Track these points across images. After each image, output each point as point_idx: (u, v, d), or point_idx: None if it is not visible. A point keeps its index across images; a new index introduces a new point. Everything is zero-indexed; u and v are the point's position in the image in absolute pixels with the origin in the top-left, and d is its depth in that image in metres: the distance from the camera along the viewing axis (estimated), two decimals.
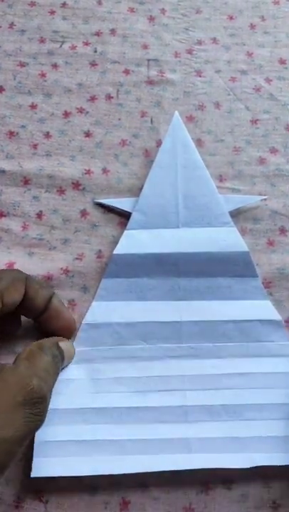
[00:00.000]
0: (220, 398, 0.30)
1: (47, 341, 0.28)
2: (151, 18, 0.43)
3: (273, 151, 0.38)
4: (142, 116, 0.39)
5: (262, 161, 0.37)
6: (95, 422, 0.29)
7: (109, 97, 0.39)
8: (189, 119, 0.38)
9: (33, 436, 0.28)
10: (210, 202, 0.34)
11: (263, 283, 0.33)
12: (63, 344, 0.29)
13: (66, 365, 0.30)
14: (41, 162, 0.37)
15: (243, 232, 0.34)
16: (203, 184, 0.35)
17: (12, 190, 0.36)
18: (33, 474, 0.27)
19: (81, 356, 0.30)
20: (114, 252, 0.33)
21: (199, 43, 0.42)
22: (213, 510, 0.28)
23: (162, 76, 0.40)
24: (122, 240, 0.33)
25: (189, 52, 0.41)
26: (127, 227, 0.34)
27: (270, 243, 0.35)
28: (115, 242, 0.34)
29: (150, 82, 0.40)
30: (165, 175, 0.35)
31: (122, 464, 0.28)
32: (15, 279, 0.28)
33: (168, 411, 0.29)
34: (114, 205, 0.35)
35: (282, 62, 0.41)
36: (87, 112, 0.39)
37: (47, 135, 0.38)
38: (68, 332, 0.31)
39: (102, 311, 0.32)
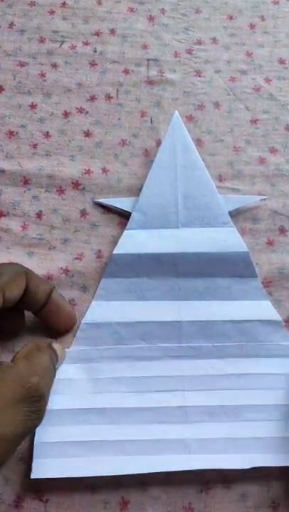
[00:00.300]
0: (219, 399, 0.30)
1: (42, 342, 0.28)
2: (151, 18, 0.43)
3: (273, 150, 0.38)
4: (142, 116, 0.39)
5: (262, 160, 0.37)
6: (95, 422, 0.29)
7: (108, 96, 0.39)
8: (189, 119, 0.38)
9: (33, 437, 0.28)
10: (210, 202, 0.34)
11: (262, 283, 0.33)
12: (56, 346, 0.29)
13: (57, 367, 0.30)
14: (41, 162, 0.37)
15: (242, 232, 0.34)
16: (203, 184, 0.34)
17: (12, 190, 0.36)
18: (33, 475, 0.27)
19: (80, 356, 0.30)
20: (114, 251, 0.33)
21: (199, 42, 0.42)
22: (213, 510, 0.28)
23: (162, 76, 0.40)
24: (122, 240, 0.33)
25: (189, 52, 0.41)
26: (127, 227, 0.34)
27: (270, 243, 0.35)
28: (115, 242, 0.34)
29: (150, 82, 0.40)
30: (165, 175, 0.35)
31: (122, 464, 0.28)
32: (16, 274, 0.28)
33: (167, 411, 0.29)
34: (113, 204, 0.35)
35: (281, 62, 0.41)
36: (87, 112, 0.39)
37: (47, 135, 0.38)
38: (69, 325, 0.31)
39: (102, 310, 0.32)
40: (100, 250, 0.34)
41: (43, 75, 0.40)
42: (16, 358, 0.26)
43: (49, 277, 0.33)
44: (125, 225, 0.34)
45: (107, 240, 0.34)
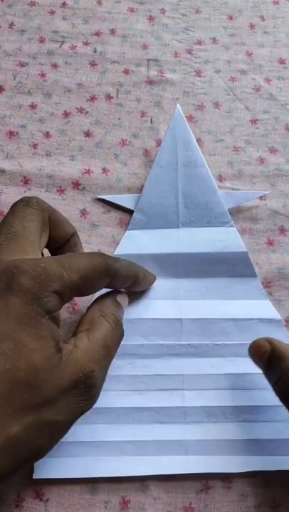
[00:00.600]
0: (218, 399, 0.30)
1: (107, 301, 0.27)
2: (151, 18, 0.43)
3: (273, 150, 0.38)
4: (142, 116, 0.39)
5: (261, 160, 0.37)
6: (94, 421, 0.29)
7: (109, 96, 0.39)
8: (189, 118, 0.38)
9: None
10: (210, 201, 0.34)
11: (262, 283, 0.33)
12: (120, 298, 0.28)
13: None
14: (41, 162, 0.37)
15: (242, 231, 0.34)
16: (204, 182, 0.34)
17: (12, 190, 0.36)
18: (35, 476, 0.28)
19: None
20: (115, 252, 0.33)
21: (199, 42, 0.42)
22: (213, 510, 0.28)
23: (162, 76, 0.40)
24: (123, 241, 0.34)
25: (189, 52, 0.41)
26: (128, 227, 0.34)
27: (270, 243, 0.35)
28: (115, 242, 0.34)
29: (150, 82, 0.40)
30: (165, 174, 0.35)
31: (122, 466, 0.28)
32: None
33: (166, 412, 0.29)
34: (115, 201, 0.35)
35: (281, 62, 0.41)
36: (87, 112, 0.39)
37: (47, 135, 0.38)
38: None
39: None
40: (100, 250, 0.34)
41: (43, 75, 0.40)
42: (78, 332, 0.25)
43: None
44: (126, 224, 0.34)
45: (108, 240, 0.34)
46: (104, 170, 0.37)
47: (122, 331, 0.27)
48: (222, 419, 0.29)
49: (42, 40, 0.41)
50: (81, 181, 0.36)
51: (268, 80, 0.40)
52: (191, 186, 0.34)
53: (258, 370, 0.30)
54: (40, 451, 0.22)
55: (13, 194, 0.36)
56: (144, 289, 0.32)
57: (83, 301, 0.32)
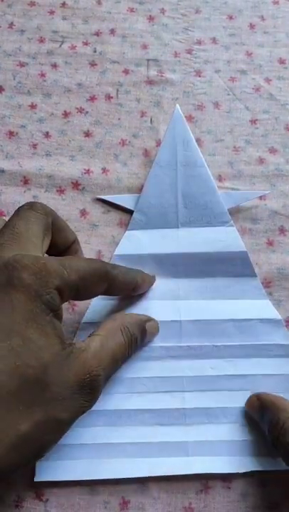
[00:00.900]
0: (219, 400, 0.30)
1: (133, 319, 0.28)
2: (151, 18, 0.43)
3: (273, 150, 0.38)
4: (142, 116, 0.39)
5: (261, 160, 0.37)
6: (95, 424, 0.29)
7: (108, 96, 0.39)
8: (189, 118, 0.38)
9: None
10: (210, 201, 0.34)
11: (262, 283, 0.33)
12: (150, 324, 0.29)
13: (148, 342, 0.30)
14: (41, 162, 0.37)
15: (242, 231, 0.34)
16: (203, 182, 0.34)
17: (12, 190, 0.36)
18: (36, 478, 0.28)
19: None
20: (115, 253, 0.33)
21: (199, 42, 0.42)
22: (213, 510, 0.28)
23: (162, 76, 0.40)
24: (123, 241, 0.34)
25: (189, 52, 0.41)
26: (128, 227, 0.34)
27: (270, 243, 0.35)
28: (115, 242, 0.34)
29: (150, 82, 0.40)
30: (165, 174, 0.35)
31: (123, 468, 0.28)
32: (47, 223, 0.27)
33: (167, 413, 0.29)
34: (115, 201, 0.35)
35: (281, 62, 0.41)
36: (87, 112, 0.39)
37: (46, 135, 0.38)
38: None
39: (102, 309, 0.32)
40: (100, 251, 0.34)
41: (42, 75, 0.40)
42: (94, 333, 0.25)
43: None
44: (125, 224, 0.34)
45: (108, 240, 0.34)
46: (104, 170, 0.37)
47: (132, 352, 0.27)
48: (223, 420, 0.29)
49: (42, 40, 0.41)
50: (81, 181, 0.36)
51: (267, 80, 0.40)
52: (191, 186, 0.34)
53: (258, 371, 0.30)
54: (46, 447, 0.23)
55: (12, 194, 0.36)
56: (143, 292, 0.32)
57: (84, 302, 0.32)
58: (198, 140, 0.37)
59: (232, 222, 0.34)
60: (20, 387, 0.21)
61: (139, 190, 0.35)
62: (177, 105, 0.36)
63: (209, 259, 0.33)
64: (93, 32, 0.42)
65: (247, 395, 0.30)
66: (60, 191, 0.36)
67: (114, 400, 0.29)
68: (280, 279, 0.34)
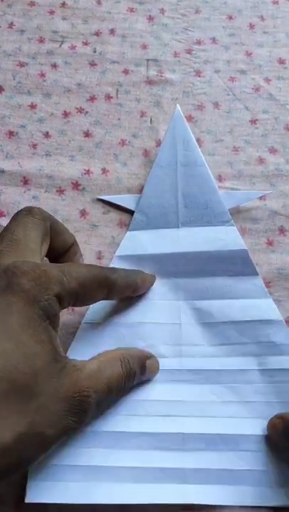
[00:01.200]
0: (218, 426, 0.29)
1: (134, 353, 0.28)
2: (151, 18, 0.43)
3: (272, 150, 0.38)
4: (142, 116, 0.39)
5: (261, 160, 0.37)
6: (91, 445, 0.28)
7: (108, 97, 0.39)
8: (188, 118, 0.38)
9: None
10: (210, 200, 0.34)
11: (263, 284, 0.33)
12: (150, 362, 0.28)
13: (148, 379, 0.30)
14: (41, 162, 0.37)
15: (242, 231, 0.35)
16: (204, 182, 0.34)
17: (12, 190, 0.36)
18: (27, 499, 0.26)
19: None
20: (116, 253, 0.33)
21: (198, 42, 0.42)
22: (213, 510, 0.28)
23: (161, 76, 0.40)
24: (124, 242, 0.33)
25: (188, 52, 0.41)
26: (129, 228, 0.34)
27: (270, 243, 0.35)
28: (115, 243, 0.34)
29: (149, 82, 0.40)
30: (165, 174, 0.35)
31: (118, 493, 0.27)
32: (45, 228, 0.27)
33: (165, 437, 0.28)
34: (115, 202, 0.35)
35: (281, 62, 0.41)
36: (87, 112, 0.39)
37: (46, 135, 0.38)
38: None
39: (102, 310, 0.32)
40: (100, 251, 0.34)
41: (42, 75, 0.40)
42: (94, 358, 0.25)
43: None
44: (125, 225, 0.34)
45: (107, 241, 0.34)
46: (104, 170, 0.37)
47: (128, 386, 0.27)
48: (221, 447, 0.28)
49: (41, 40, 0.41)
50: (81, 182, 0.36)
51: (267, 80, 0.40)
52: (191, 186, 0.34)
53: (260, 398, 0.29)
54: (26, 463, 0.22)
55: (12, 194, 0.36)
56: (144, 292, 0.32)
57: None
58: (198, 140, 0.37)
59: (232, 221, 0.34)
60: (8, 392, 0.20)
61: (139, 190, 0.35)
62: (178, 105, 0.36)
63: (210, 258, 0.33)
64: (93, 32, 0.42)
65: (247, 422, 0.29)
66: (60, 191, 0.36)
67: (111, 421, 0.28)
68: (280, 279, 0.34)
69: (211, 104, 0.39)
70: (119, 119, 0.39)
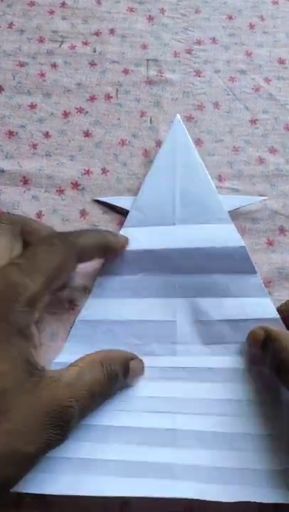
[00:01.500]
0: (211, 424, 0.28)
1: (116, 355, 0.27)
2: (151, 18, 0.43)
3: (272, 150, 0.38)
4: (141, 116, 0.39)
5: (261, 160, 0.37)
6: (79, 438, 0.28)
7: (108, 96, 0.39)
8: (188, 119, 0.38)
9: None
10: (208, 199, 0.34)
11: (262, 283, 0.33)
12: (134, 363, 0.28)
13: (131, 383, 0.29)
14: (41, 162, 0.37)
15: (242, 231, 0.34)
16: (202, 184, 0.34)
17: (11, 190, 0.36)
18: (19, 489, 0.26)
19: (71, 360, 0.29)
20: None
21: (198, 42, 0.42)
22: (213, 510, 0.28)
23: (161, 76, 0.40)
24: None
25: (188, 52, 0.41)
26: (124, 224, 0.34)
27: (270, 243, 0.35)
28: None
29: (149, 82, 0.40)
30: (164, 174, 0.35)
31: (105, 485, 0.27)
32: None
33: (156, 433, 0.28)
34: (113, 203, 0.35)
35: (281, 62, 0.41)
36: (87, 112, 0.39)
37: (46, 135, 0.38)
38: None
39: (97, 308, 0.31)
40: None
41: (42, 75, 0.40)
42: (73, 364, 0.25)
43: None
44: None
45: None
46: (104, 170, 0.37)
47: (112, 389, 0.26)
48: (214, 446, 0.28)
49: (41, 40, 0.41)
50: (80, 182, 0.36)
51: (267, 80, 0.40)
52: (189, 185, 0.34)
53: (255, 397, 0.29)
54: (10, 481, 0.22)
55: (12, 194, 0.36)
56: (118, 253, 0.31)
57: (83, 302, 0.32)
58: (198, 140, 0.37)
59: (230, 220, 0.33)
60: None
61: (139, 190, 0.35)
62: (178, 115, 0.37)
63: (207, 254, 0.32)
64: (93, 32, 0.42)
65: (241, 421, 0.28)
66: (60, 191, 0.36)
67: (102, 415, 0.28)
68: (280, 279, 0.33)
69: (211, 104, 0.39)
70: (119, 118, 0.39)
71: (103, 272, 0.32)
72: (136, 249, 0.32)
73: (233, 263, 0.32)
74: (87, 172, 0.37)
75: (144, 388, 0.29)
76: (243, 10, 0.43)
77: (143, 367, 0.30)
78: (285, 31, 0.42)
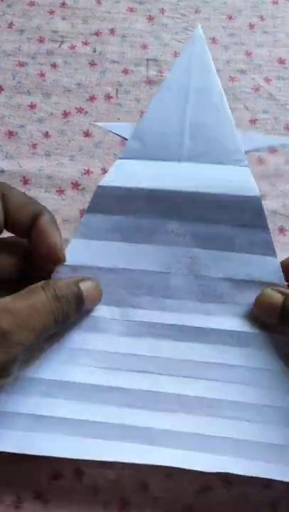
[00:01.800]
0: (196, 389, 0.26)
1: (64, 279, 0.26)
2: (151, 18, 0.43)
3: (273, 150, 0.38)
4: (141, 116, 0.39)
5: (261, 160, 0.37)
6: (54, 395, 0.26)
7: (108, 96, 0.39)
8: None
9: None
10: (223, 135, 0.29)
11: (273, 241, 0.29)
12: (85, 284, 0.26)
13: (90, 309, 0.27)
14: (41, 162, 0.37)
15: None
16: (218, 113, 0.30)
17: None
18: None
19: None
20: (100, 183, 0.29)
21: None
22: (213, 510, 0.28)
23: (161, 76, 0.40)
24: (111, 171, 0.29)
25: None
26: (120, 156, 0.30)
27: None
28: None
29: (149, 82, 0.40)
30: (173, 98, 0.30)
31: (80, 447, 0.25)
32: None
33: (136, 394, 0.26)
34: (111, 129, 0.33)
35: (281, 61, 0.41)
36: (87, 112, 0.39)
37: (46, 135, 0.38)
38: (49, 260, 0.27)
39: (82, 251, 0.28)
40: None
41: (42, 74, 0.40)
42: (20, 293, 0.24)
43: None
44: None
45: None
46: (104, 170, 0.37)
47: (61, 314, 0.24)
48: (197, 412, 0.26)
49: (41, 40, 0.41)
50: (80, 182, 0.36)
51: (267, 80, 0.40)
52: (202, 116, 0.30)
53: (246, 363, 0.27)
54: None
55: None
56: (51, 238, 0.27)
57: None
58: None
59: (246, 162, 0.29)
60: None
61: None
62: (199, 25, 0.33)
63: (214, 201, 0.28)
64: (93, 32, 0.42)
65: (230, 387, 0.26)
66: (60, 191, 0.36)
67: (78, 372, 0.26)
68: None
69: None
70: (118, 118, 0.39)
71: (91, 209, 0.29)
72: (131, 186, 0.28)
73: (243, 215, 0.28)
74: (87, 172, 0.37)
75: (124, 344, 0.27)
76: (243, 10, 0.43)
77: (100, 290, 0.27)
78: (285, 31, 0.42)
